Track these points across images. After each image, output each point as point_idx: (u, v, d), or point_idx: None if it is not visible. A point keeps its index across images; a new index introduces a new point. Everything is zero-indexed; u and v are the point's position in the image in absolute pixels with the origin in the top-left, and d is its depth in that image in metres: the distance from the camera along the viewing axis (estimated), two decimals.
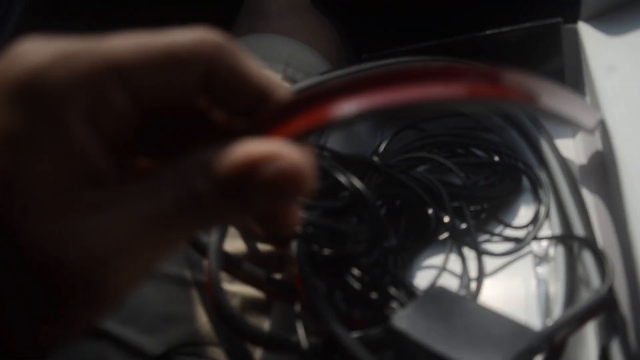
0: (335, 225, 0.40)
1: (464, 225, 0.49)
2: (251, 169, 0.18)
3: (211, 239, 0.41)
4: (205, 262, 0.41)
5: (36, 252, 0.18)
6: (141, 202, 0.19)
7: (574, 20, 0.57)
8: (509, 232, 0.50)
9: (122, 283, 0.19)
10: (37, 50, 0.18)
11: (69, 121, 0.18)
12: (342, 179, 0.40)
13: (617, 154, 0.43)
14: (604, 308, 0.37)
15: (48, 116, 0.18)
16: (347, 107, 0.20)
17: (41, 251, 0.18)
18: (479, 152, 0.57)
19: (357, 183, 0.40)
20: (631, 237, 0.38)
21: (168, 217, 0.19)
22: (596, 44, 0.53)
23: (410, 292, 0.38)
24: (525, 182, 0.53)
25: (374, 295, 0.38)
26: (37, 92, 0.18)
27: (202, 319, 0.42)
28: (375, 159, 0.47)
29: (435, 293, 0.35)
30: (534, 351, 0.32)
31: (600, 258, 0.40)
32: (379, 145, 0.58)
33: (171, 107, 0.22)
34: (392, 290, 0.38)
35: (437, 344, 0.30)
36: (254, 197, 0.19)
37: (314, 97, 0.20)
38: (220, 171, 0.18)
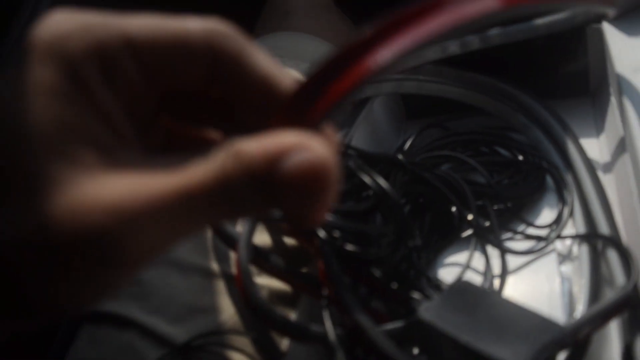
0: (361, 229, 0.41)
1: (487, 224, 0.49)
2: (278, 157, 0.19)
3: (241, 231, 0.41)
4: (234, 255, 0.42)
5: (61, 206, 0.18)
6: (168, 175, 0.19)
7: (598, 20, 0.57)
8: (532, 231, 0.50)
9: (142, 251, 0.19)
10: (63, 20, 0.20)
11: (89, 81, 0.20)
12: (367, 179, 0.40)
13: None
14: (628, 306, 0.37)
15: (73, 75, 0.20)
16: (385, 54, 0.19)
17: (67, 206, 0.18)
18: (503, 151, 0.57)
19: (383, 183, 0.40)
20: None
21: (194, 196, 0.19)
22: (621, 45, 0.53)
23: (435, 285, 0.39)
24: (549, 181, 0.53)
25: (398, 288, 0.38)
26: (62, 54, 0.20)
27: (230, 310, 0.43)
28: (400, 157, 0.47)
29: (461, 287, 0.35)
30: (560, 345, 0.32)
31: (625, 256, 0.40)
32: (403, 144, 0.59)
33: (185, 92, 0.23)
34: (417, 284, 0.38)
35: (463, 335, 0.31)
36: (280, 186, 0.19)
37: (346, 56, 0.20)
38: (249, 156, 0.19)
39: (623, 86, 0.49)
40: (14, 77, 0.20)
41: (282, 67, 0.23)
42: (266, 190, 0.19)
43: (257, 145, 0.19)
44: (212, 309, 0.43)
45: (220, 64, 0.22)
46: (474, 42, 0.56)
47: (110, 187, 0.19)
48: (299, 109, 0.20)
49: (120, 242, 0.18)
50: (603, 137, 0.57)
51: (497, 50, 0.60)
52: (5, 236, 0.18)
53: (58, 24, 0.20)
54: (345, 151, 0.47)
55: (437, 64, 0.61)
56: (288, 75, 0.23)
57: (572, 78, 0.61)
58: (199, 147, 0.20)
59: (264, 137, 0.19)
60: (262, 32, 0.67)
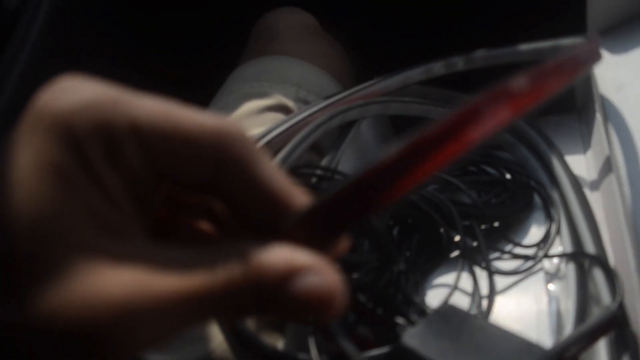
0: (344, 257, 0.41)
1: (475, 244, 0.49)
2: (290, 275, 0.19)
3: None
4: None
5: (66, 298, 0.18)
6: (174, 275, 0.19)
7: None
8: (520, 250, 0.50)
9: (141, 343, 0.19)
10: (71, 93, 0.20)
11: (94, 161, 0.19)
12: None
13: (626, 172, 0.43)
14: (614, 325, 0.37)
15: (78, 154, 0.19)
16: (404, 185, 0.19)
17: (71, 298, 0.18)
18: (490, 170, 0.57)
19: None
20: None
21: (199, 299, 0.19)
22: (604, 63, 0.53)
23: (420, 310, 0.39)
24: (537, 199, 0.54)
25: (385, 314, 0.38)
26: (69, 131, 0.19)
27: (219, 337, 0.43)
28: None
29: (445, 311, 0.35)
30: None
31: (610, 275, 0.41)
32: None
33: (186, 183, 0.22)
34: (403, 309, 0.38)
35: None
36: (286, 302, 0.19)
37: (366, 183, 0.20)
38: (260, 269, 0.19)
39: (606, 104, 0.50)
40: (11, 149, 0.19)
41: (291, 181, 0.23)
42: (272, 301, 0.19)
43: (268, 260, 0.19)
44: (201, 337, 0.43)
45: (225, 167, 0.21)
46: (459, 63, 0.57)
47: (116, 281, 0.19)
48: (314, 230, 0.21)
49: (122, 336, 0.18)
50: (590, 153, 0.57)
51: (485, 72, 0.61)
52: (12, 320, 0.18)
53: (66, 97, 0.20)
54: (332, 176, 0.47)
55: (424, 84, 0.61)
56: (297, 191, 0.22)
57: (558, 94, 0.62)
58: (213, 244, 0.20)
59: (274, 250, 0.19)
60: (250, 56, 0.67)
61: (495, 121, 0.19)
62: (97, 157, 0.19)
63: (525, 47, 0.55)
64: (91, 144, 0.19)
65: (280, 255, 0.19)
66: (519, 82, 0.20)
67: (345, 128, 0.58)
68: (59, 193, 0.19)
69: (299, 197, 0.22)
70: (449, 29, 0.74)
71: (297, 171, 0.49)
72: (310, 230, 0.21)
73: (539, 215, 0.53)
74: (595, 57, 0.27)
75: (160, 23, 0.87)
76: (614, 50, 0.54)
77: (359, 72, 0.72)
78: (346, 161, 0.56)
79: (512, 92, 0.20)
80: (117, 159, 0.20)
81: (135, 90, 0.21)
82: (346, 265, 0.41)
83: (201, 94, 0.67)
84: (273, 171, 0.22)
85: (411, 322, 0.37)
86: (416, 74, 0.59)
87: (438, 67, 0.58)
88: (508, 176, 0.55)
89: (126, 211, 0.20)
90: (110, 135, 0.20)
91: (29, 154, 0.19)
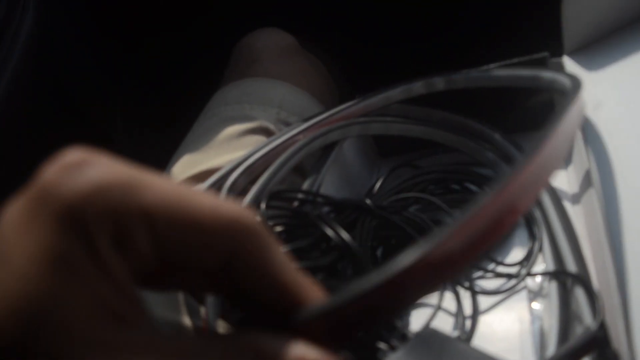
0: (323, 284, 0.41)
1: None
2: None
3: None
4: (202, 310, 0.42)
5: None
6: None
7: (559, 54, 0.58)
8: (503, 269, 0.50)
9: None
10: (80, 174, 0.19)
11: (101, 249, 0.19)
12: (330, 232, 0.41)
13: (604, 190, 0.43)
14: (595, 345, 0.37)
15: (85, 241, 0.18)
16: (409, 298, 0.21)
17: None
18: (473, 187, 0.57)
19: (345, 235, 0.40)
20: (621, 271, 0.38)
21: None
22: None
23: (402, 334, 0.39)
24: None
25: (366, 339, 0.38)
26: (76, 218, 0.18)
27: None
28: (368, 201, 0.48)
29: (427, 335, 0.35)
30: None
31: (591, 295, 0.41)
32: (373, 186, 0.59)
33: (195, 268, 0.21)
34: (385, 334, 0.38)
35: None
36: None
37: (379, 293, 0.21)
38: None
39: (584, 124, 0.50)
40: (11, 232, 0.18)
41: (303, 274, 0.22)
42: None
43: (282, 356, 0.19)
44: None
45: (237, 258, 0.21)
46: (439, 84, 0.57)
47: None
48: (326, 329, 0.21)
49: None
50: (571, 168, 0.58)
51: (467, 86, 0.61)
52: None
53: (73, 179, 0.19)
54: (313, 199, 0.47)
55: (405, 103, 0.61)
56: (309, 284, 0.22)
57: (539, 111, 0.62)
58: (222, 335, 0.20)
59: (289, 346, 0.20)
60: (230, 79, 0.67)
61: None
62: (105, 245, 0.19)
63: (505, 72, 0.56)
64: (99, 231, 0.18)
65: (295, 351, 0.20)
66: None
67: (328, 149, 0.59)
68: (61, 282, 0.18)
69: (311, 290, 0.22)
70: (427, 46, 0.74)
71: (279, 195, 0.49)
72: (322, 329, 0.21)
73: (521, 232, 0.53)
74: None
75: (141, 47, 0.87)
76: (590, 67, 0.54)
77: (341, 88, 0.72)
78: (328, 183, 0.56)
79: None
80: (125, 246, 0.19)
81: (144, 169, 0.20)
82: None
83: (183, 117, 0.67)
84: (286, 264, 0.22)
85: (392, 348, 0.37)
86: (396, 93, 0.59)
87: (418, 87, 0.59)
88: None
89: (132, 298, 0.20)
90: (120, 223, 0.19)
91: (31, 239, 0.18)
